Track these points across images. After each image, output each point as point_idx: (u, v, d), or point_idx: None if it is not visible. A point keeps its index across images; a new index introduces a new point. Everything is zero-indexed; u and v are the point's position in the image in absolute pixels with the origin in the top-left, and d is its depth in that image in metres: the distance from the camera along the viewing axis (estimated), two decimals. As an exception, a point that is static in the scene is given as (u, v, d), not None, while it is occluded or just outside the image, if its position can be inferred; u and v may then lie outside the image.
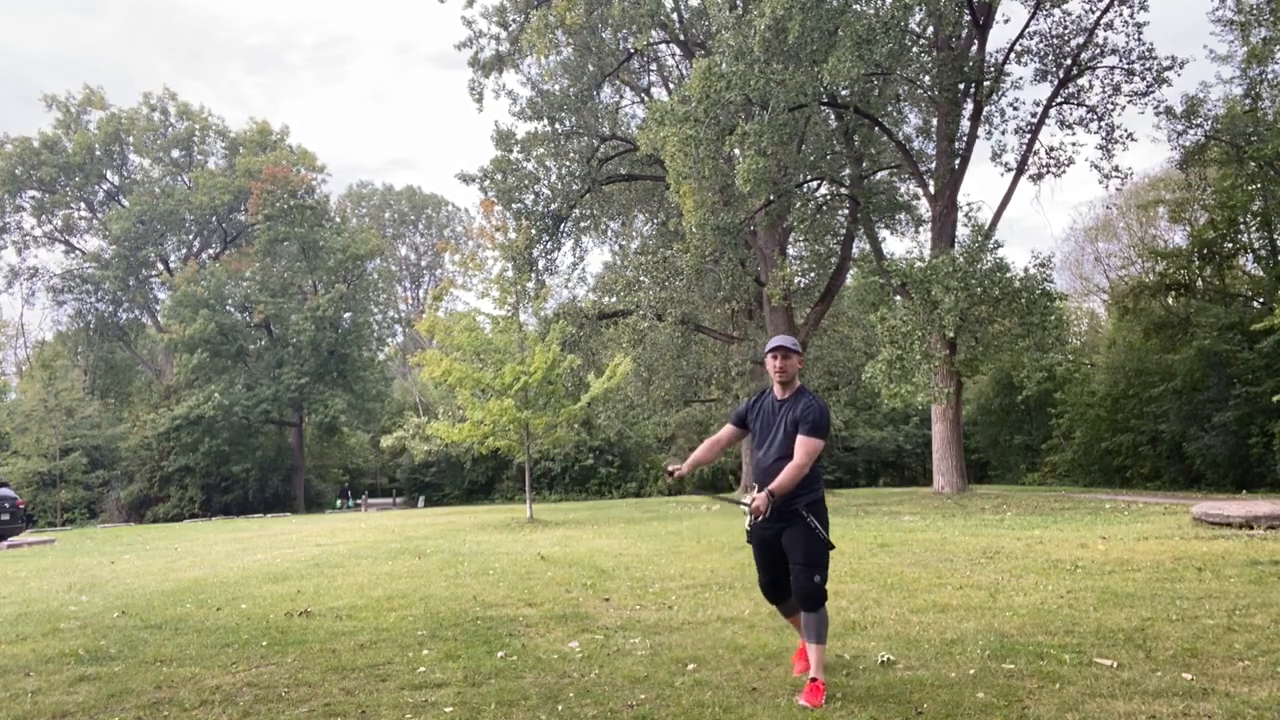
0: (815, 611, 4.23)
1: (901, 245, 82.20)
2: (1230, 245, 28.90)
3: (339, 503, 44.53)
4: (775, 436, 4.42)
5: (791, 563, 4.30)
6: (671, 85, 27.66)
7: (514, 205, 27.26)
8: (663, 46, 27.88)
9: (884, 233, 25.52)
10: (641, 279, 27.56)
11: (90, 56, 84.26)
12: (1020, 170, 21.82)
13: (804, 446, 4.26)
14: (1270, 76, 23.37)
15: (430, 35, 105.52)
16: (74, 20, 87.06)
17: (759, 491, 4.23)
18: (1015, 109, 22.43)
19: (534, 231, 26.58)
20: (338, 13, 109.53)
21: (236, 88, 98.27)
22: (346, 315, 42.73)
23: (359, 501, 44.26)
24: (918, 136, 24.82)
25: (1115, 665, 4.44)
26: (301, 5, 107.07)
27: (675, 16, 26.16)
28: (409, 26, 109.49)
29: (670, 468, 4.47)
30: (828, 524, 4.35)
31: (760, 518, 4.18)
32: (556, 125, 27.72)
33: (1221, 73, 60.83)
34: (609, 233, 32.95)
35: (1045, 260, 19.36)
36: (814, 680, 4.17)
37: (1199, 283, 30.38)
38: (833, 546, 4.35)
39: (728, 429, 4.73)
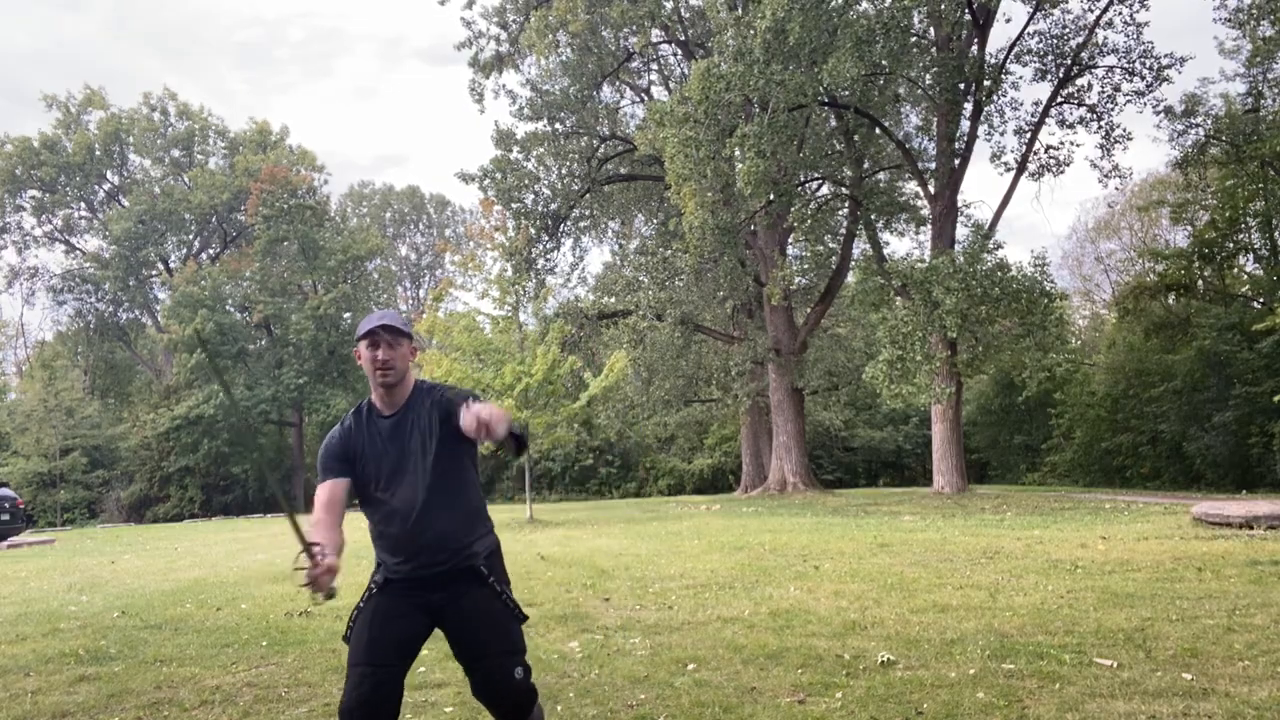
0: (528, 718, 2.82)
1: (902, 245, 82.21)
2: (1231, 245, 28.91)
3: None
4: (415, 463, 2.79)
5: (483, 655, 2.75)
6: (671, 85, 27.67)
7: (514, 205, 27.30)
8: (663, 46, 27.91)
9: (885, 233, 25.56)
10: (641, 279, 27.61)
11: (78, 52, 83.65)
12: (1020, 170, 21.84)
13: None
14: (1272, 75, 23.38)
15: (420, 30, 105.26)
16: (59, 15, 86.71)
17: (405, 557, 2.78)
18: (1015, 109, 22.43)
19: (534, 231, 26.60)
20: (325, 7, 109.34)
21: (225, 84, 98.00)
22: (347, 315, 42.71)
23: None
24: (918, 136, 24.86)
25: (1115, 665, 4.44)
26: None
27: (675, 17, 26.18)
28: (398, 21, 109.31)
29: (313, 571, 2.45)
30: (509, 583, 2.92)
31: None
32: (556, 125, 27.75)
33: (1225, 68, 60.66)
34: (609, 233, 33.00)
35: (1044, 259, 19.42)
36: None
37: (1199, 283, 30.38)
38: (525, 618, 2.90)
39: (331, 486, 2.79)
